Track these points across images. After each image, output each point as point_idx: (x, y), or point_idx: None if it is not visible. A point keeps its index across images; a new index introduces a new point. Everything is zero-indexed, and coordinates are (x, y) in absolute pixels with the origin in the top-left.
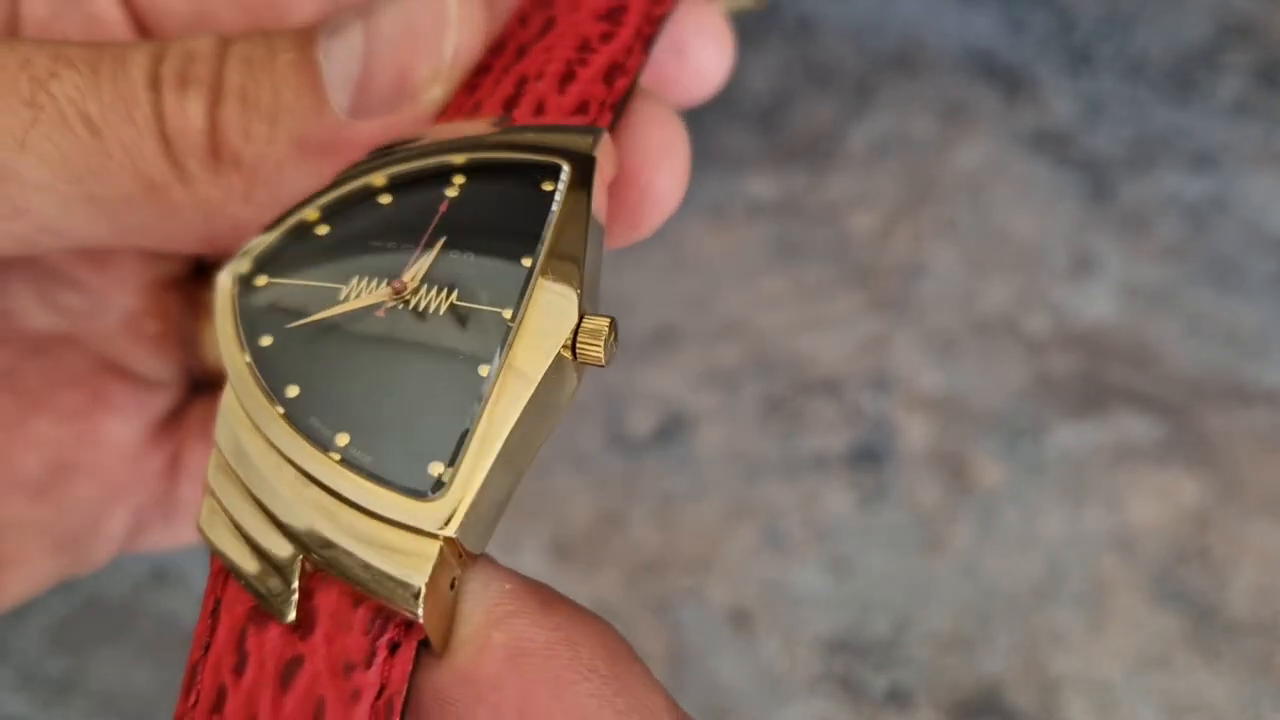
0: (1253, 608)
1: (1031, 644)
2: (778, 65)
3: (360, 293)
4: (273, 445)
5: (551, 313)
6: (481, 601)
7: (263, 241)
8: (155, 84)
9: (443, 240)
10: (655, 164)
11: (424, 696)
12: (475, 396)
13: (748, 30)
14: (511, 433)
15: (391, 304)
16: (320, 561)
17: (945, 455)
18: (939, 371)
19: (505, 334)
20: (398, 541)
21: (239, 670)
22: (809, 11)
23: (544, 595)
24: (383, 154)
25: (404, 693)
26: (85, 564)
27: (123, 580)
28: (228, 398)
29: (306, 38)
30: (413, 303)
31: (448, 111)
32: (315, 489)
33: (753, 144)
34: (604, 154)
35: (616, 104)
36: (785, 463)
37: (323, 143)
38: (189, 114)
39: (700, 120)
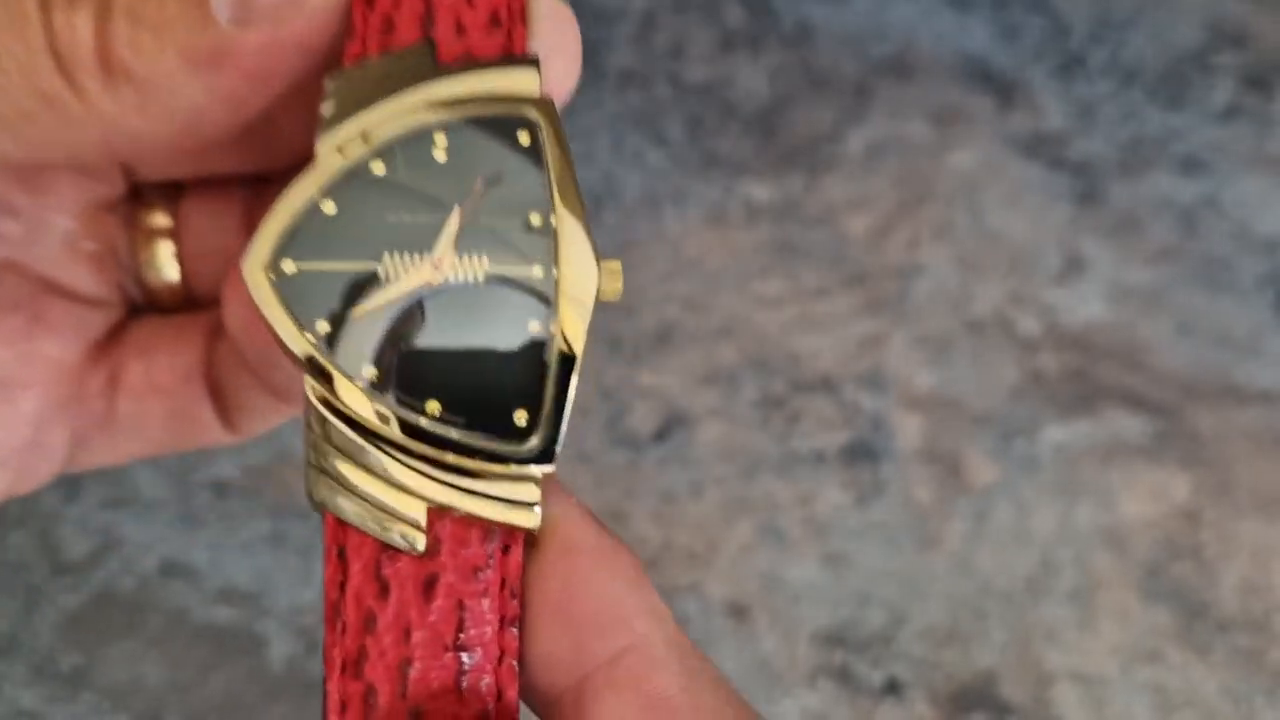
0: (1243, 603)
1: (1025, 639)
2: (775, 70)
3: (398, 270)
4: (365, 420)
5: (579, 267)
6: (555, 508)
7: (274, 227)
8: (45, 4)
9: (457, 208)
10: (553, 55)
11: None
12: (537, 351)
13: (746, 35)
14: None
15: (435, 281)
16: (448, 509)
17: (940, 453)
18: (934, 371)
19: (546, 293)
20: (506, 479)
21: (383, 595)
22: (806, 17)
23: (595, 517)
24: (336, 91)
25: (520, 580)
26: (27, 480)
27: (132, 575)
28: (308, 383)
29: None
30: (452, 275)
31: (354, 25)
32: (419, 460)
33: (751, 147)
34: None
35: (522, 11)
36: (783, 460)
37: (210, 54)
38: (77, 29)
39: (699, 124)
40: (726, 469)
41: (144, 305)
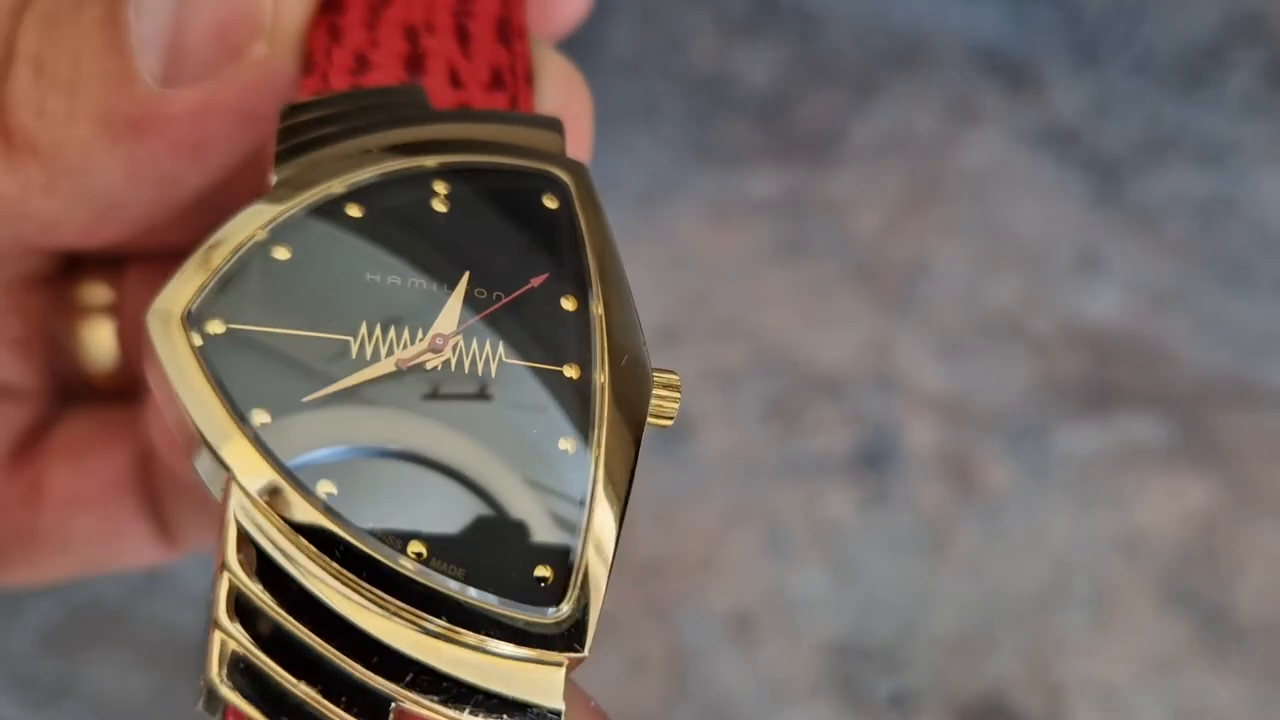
0: (1261, 611)
1: (1037, 648)
2: (779, 60)
3: (378, 347)
4: (316, 556)
5: (628, 373)
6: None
7: (198, 269)
8: None
9: (466, 274)
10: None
11: None
12: (579, 478)
13: (749, 24)
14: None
15: (428, 363)
16: (418, 700)
17: (949, 457)
18: (943, 372)
19: (585, 402)
20: (513, 663)
21: None
22: (811, 5)
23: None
24: (296, 120)
25: None
26: None
27: (116, 585)
28: (237, 496)
29: None
30: (452, 360)
31: (314, 59)
32: (397, 620)
33: (753, 140)
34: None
35: (528, 73)
36: (787, 465)
37: (133, 119)
38: None
39: (700, 116)
40: (728, 473)
41: (77, 392)
